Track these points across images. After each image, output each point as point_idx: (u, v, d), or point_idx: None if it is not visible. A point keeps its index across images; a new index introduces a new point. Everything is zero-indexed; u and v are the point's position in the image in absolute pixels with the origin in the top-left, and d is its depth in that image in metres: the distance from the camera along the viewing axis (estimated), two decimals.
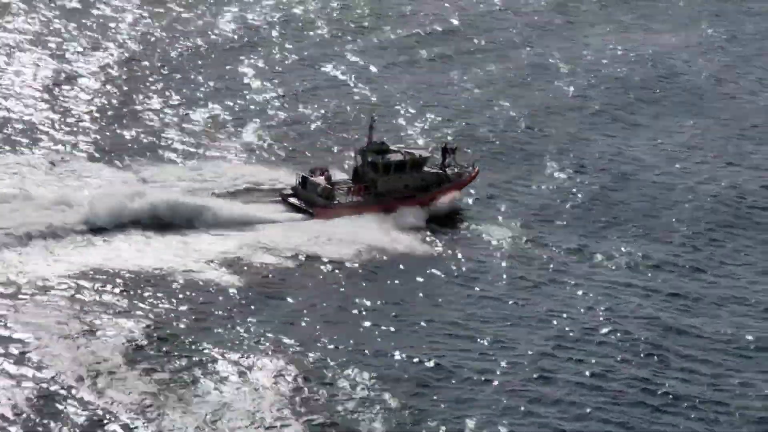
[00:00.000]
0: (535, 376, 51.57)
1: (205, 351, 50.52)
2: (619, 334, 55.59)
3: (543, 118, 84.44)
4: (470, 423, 47.70)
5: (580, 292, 59.59)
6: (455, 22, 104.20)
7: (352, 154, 68.58)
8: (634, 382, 51.93)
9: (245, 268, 58.44)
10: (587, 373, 52.14)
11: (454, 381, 50.55)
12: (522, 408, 49.20)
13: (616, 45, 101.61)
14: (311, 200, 64.21)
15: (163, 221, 61.04)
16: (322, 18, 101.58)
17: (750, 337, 56.58)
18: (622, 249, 65.03)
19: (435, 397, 49.15)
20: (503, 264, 62.49)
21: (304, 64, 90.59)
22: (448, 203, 66.96)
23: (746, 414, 50.60)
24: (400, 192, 65.68)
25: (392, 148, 66.85)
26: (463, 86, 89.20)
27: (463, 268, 61.52)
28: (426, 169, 66.71)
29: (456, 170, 68.36)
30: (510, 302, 58.27)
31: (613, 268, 63.09)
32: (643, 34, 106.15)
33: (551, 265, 62.76)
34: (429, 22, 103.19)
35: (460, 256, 62.91)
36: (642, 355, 54.20)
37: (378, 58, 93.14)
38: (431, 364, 51.52)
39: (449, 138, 75.30)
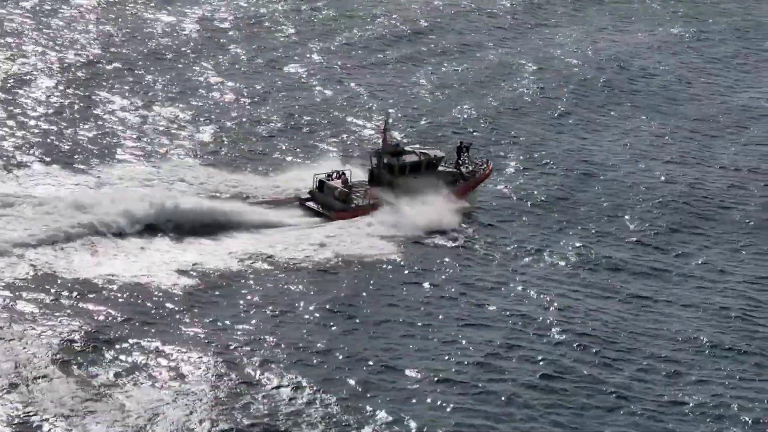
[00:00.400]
0: (486, 377, 50.74)
1: (149, 355, 49.64)
2: (574, 335, 54.82)
3: (508, 119, 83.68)
4: (415, 423, 46.80)
5: (537, 293, 58.83)
6: (424, 23, 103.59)
7: (369, 157, 68.30)
8: (589, 382, 51.17)
9: (202, 273, 57.39)
10: (540, 373, 51.36)
11: (403, 381, 49.73)
12: (471, 408, 48.41)
13: (587, 46, 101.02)
14: (328, 204, 64.32)
15: (187, 225, 61.17)
16: (291, 19, 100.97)
17: (705, 338, 55.82)
18: (583, 249, 64.27)
19: (382, 399, 48.28)
20: (462, 264, 61.68)
21: (271, 65, 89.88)
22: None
23: (703, 413, 49.86)
24: (416, 192, 65.40)
25: (407, 149, 66.87)
26: (430, 87, 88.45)
27: (423, 269, 60.64)
28: (441, 168, 66.66)
29: (470, 168, 68.39)
30: (467, 302, 57.44)
31: (573, 268, 62.31)
32: (615, 35, 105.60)
33: (511, 266, 61.97)
34: (399, 24, 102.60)
35: (420, 256, 62.07)
36: (597, 355, 53.41)
37: (346, 59, 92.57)
38: (381, 365, 50.71)
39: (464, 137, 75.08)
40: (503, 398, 49.29)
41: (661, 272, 62.56)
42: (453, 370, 50.93)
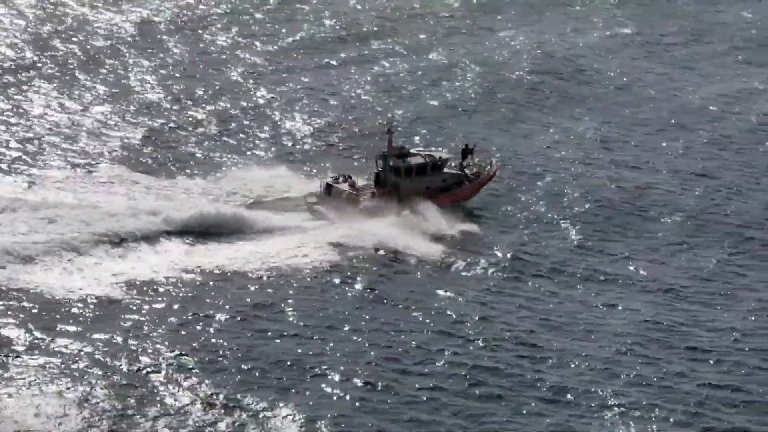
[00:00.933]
0: (412, 382, 49.15)
1: (52, 365, 47.56)
2: (506, 339, 53.36)
3: (455, 120, 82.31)
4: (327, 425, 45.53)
5: (471, 296, 57.36)
6: (373, 25, 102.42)
7: (374, 160, 67.57)
8: (521, 385, 49.76)
9: (127, 282, 55.28)
10: (470, 377, 49.86)
11: (325, 386, 48.16)
12: (396, 413, 46.91)
13: (538, 47, 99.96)
14: (337, 207, 64.12)
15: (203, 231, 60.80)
16: (234, 20, 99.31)
17: (640, 340, 54.61)
18: (521, 252, 62.90)
19: (302, 404, 46.62)
20: (397, 269, 60.10)
21: (213, 65, 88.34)
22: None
23: (636, 414, 48.49)
24: (423, 194, 65.66)
25: (412, 151, 67.16)
26: (375, 88, 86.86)
27: (355, 274, 58.70)
28: (446, 170, 67.08)
29: (475, 170, 68.56)
30: (400, 307, 55.68)
31: (509, 272, 60.64)
32: (568, 37, 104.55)
33: (446, 270, 60.49)
34: (346, 26, 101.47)
35: (356, 262, 60.11)
36: (530, 359, 52.01)
37: (290, 60, 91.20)
38: (303, 370, 49.17)
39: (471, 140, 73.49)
40: (431, 404, 47.75)
41: (600, 274, 61.30)
42: (379, 374, 49.27)
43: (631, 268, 62.24)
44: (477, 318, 54.97)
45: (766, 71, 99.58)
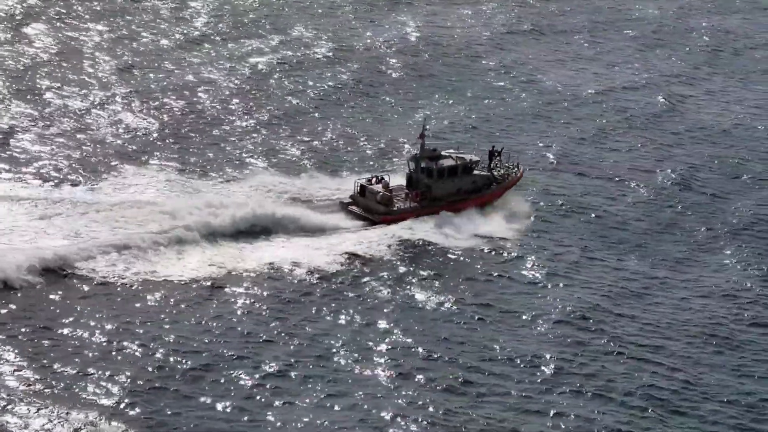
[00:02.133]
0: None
1: None
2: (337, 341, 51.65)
3: (324, 110, 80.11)
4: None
5: (302, 298, 55.41)
6: (257, 19, 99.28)
7: (405, 162, 68.40)
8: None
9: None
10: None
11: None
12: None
13: (433, 37, 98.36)
14: (371, 208, 64.94)
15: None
16: (106, 14, 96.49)
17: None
18: (362, 249, 61.10)
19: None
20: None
21: (71, 60, 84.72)
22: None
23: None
24: (454, 195, 66.53)
25: (443, 153, 68.32)
26: (245, 82, 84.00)
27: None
28: (476, 172, 68.23)
29: (502, 172, 69.87)
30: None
31: (348, 268, 58.83)
32: (470, 27, 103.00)
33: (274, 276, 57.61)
34: (227, 21, 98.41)
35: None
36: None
37: (161, 55, 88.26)
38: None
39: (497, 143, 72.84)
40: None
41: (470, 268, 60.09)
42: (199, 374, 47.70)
43: (493, 260, 61.23)
44: (325, 320, 53.63)
45: (665, 64, 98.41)
